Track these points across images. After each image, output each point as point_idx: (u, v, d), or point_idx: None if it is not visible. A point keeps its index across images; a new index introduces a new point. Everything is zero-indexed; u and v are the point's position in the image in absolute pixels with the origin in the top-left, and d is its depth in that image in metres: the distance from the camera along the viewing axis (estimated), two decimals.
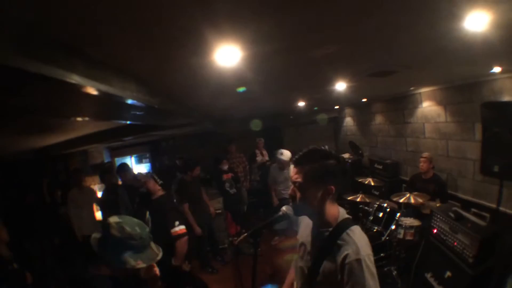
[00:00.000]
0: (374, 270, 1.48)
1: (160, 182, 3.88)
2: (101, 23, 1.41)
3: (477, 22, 1.88)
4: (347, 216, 1.69)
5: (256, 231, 1.79)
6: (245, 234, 1.86)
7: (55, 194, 5.99)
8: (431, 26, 1.96)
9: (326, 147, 1.67)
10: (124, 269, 1.80)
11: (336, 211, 1.68)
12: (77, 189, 5.41)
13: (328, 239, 1.61)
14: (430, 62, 3.26)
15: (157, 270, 2.06)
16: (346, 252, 1.49)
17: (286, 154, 5.66)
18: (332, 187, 1.60)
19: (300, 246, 1.87)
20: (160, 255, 1.97)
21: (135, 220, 1.93)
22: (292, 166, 5.37)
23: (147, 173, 4.76)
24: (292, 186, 1.68)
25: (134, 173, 6.08)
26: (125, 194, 5.18)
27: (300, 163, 1.65)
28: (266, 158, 8.40)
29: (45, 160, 6.69)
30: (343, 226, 1.61)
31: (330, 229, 1.63)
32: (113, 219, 1.84)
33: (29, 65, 1.31)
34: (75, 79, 1.60)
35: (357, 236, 1.56)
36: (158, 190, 3.88)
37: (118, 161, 9.58)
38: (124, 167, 5.65)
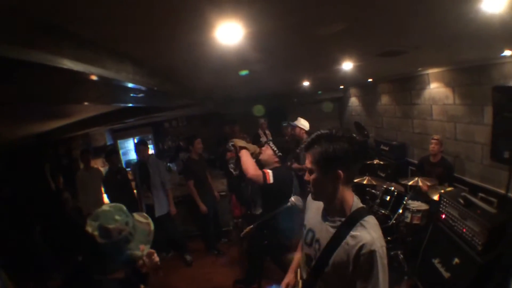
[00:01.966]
0: (386, 262, 1.47)
1: None
2: None
3: (495, 3, 1.77)
4: (361, 205, 1.65)
5: (262, 223, 1.72)
6: (251, 226, 1.79)
7: (58, 179, 5.97)
8: (447, 6, 1.83)
9: (340, 131, 1.57)
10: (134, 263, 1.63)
11: (351, 199, 1.63)
12: (84, 170, 5.52)
13: (341, 228, 1.57)
14: (444, 43, 3.13)
15: (156, 257, 1.84)
16: (360, 244, 1.46)
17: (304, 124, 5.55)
18: (340, 171, 1.52)
19: (308, 232, 1.82)
20: (150, 220, 1.72)
21: (108, 206, 1.58)
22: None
23: None
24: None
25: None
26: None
27: (307, 148, 1.62)
28: (270, 138, 8.27)
29: (46, 145, 6.57)
30: (358, 216, 1.57)
31: (343, 218, 1.59)
32: (91, 227, 1.47)
33: (13, 52, 1.19)
34: (65, 63, 1.47)
35: (372, 227, 1.53)
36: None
37: (121, 143, 9.61)
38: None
